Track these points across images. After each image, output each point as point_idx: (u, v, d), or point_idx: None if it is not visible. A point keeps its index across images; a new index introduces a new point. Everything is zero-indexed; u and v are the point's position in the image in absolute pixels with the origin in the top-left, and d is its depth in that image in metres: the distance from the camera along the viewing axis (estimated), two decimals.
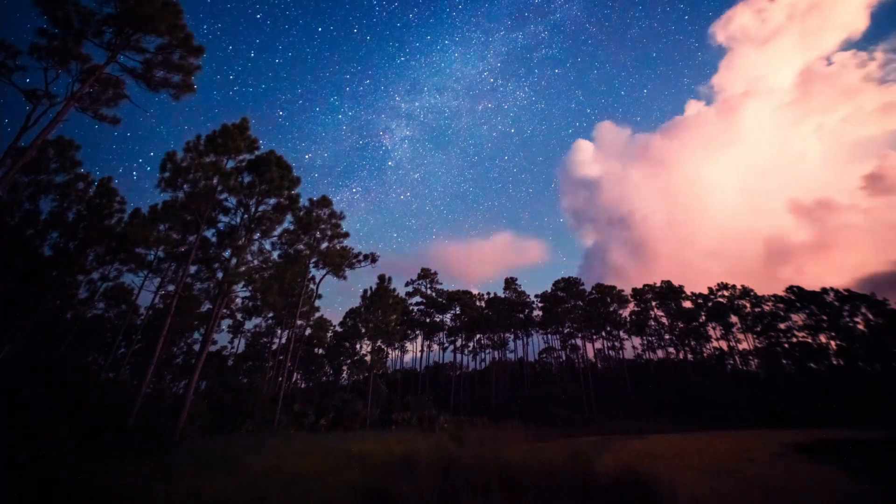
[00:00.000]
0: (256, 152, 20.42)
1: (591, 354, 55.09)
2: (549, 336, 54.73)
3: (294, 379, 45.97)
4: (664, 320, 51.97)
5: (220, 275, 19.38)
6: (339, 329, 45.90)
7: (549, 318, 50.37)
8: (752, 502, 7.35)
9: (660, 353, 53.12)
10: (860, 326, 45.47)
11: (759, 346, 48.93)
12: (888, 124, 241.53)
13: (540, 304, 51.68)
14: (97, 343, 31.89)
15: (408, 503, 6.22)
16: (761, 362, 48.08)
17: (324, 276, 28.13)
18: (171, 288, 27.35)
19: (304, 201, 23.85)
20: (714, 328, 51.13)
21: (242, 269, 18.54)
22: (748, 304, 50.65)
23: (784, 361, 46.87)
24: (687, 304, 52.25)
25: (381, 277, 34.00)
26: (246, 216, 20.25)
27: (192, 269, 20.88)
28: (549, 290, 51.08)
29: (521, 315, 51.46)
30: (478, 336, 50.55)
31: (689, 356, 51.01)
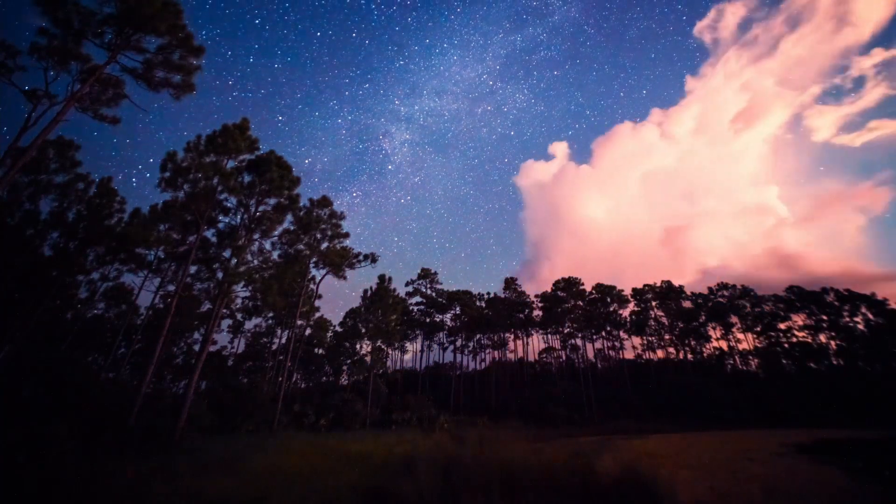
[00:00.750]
0: (257, 152, 20.42)
1: (591, 354, 55.10)
2: (549, 336, 54.74)
3: (294, 379, 45.97)
4: (664, 320, 51.97)
5: (220, 275, 19.37)
6: (339, 329, 45.89)
7: (549, 318, 50.36)
8: (753, 502, 7.34)
9: (660, 353, 53.17)
10: (860, 326, 45.48)
11: (759, 346, 48.92)
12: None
13: (540, 304, 51.67)
14: (97, 343, 31.89)
15: (408, 503, 6.22)
16: (761, 362, 48.07)
17: (324, 276, 28.14)
18: (171, 288, 27.34)
19: (304, 201, 23.87)
20: (714, 328, 51.13)
21: (242, 269, 18.54)
22: (748, 304, 50.65)
23: (784, 361, 46.85)
24: (687, 304, 52.26)
25: (381, 277, 34.02)
26: (246, 216, 20.25)
27: (192, 269, 20.87)
28: (549, 290, 51.11)
29: (521, 315, 51.44)
30: (478, 336, 50.53)
31: (689, 356, 51.01)
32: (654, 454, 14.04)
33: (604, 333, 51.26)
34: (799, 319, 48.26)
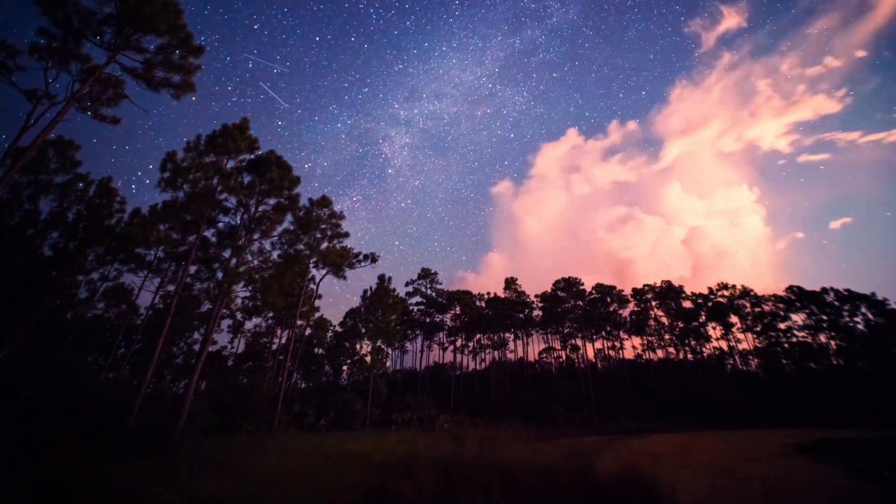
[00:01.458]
0: (256, 152, 20.42)
1: (591, 354, 55.12)
2: (549, 336, 54.73)
3: (294, 379, 45.94)
4: (664, 320, 51.97)
5: (220, 275, 19.37)
6: (339, 329, 45.89)
7: (549, 318, 50.36)
8: (754, 502, 7.34)
9: (660, 353, 53.17)
10: (860, 326, 45.47)
11: (759, 346, 48.92)
12: None
13: (540, 304, 51.67)
14: (97, 343, 31.88)
15: (408, 503, 6.22)
16: (761, 362, 48.06)
17: (324, 276, 28.15)
18: (171, 288, 27.34)
19: (303, 202, 23.87)
20: (714, 328, 51.13)
21: (242, 269, 18.53)
22: (748, 304, 50.65)
23: (784, 361, 46.84)
24: (687, 304, 52.26)
25: (381, 277, 34.02)
26: (246, 216, 20.24)
27: (192, 269, 20.86)
28: (549, 290, 51.11)
29: (521, 315, 51.44)
30: (478, 336, 50.51)
31: (689, 356, 51.00)
32: (655, 454, 14.04)
33: (604, 333, 51.26)
34: (799, 319, 48.30)
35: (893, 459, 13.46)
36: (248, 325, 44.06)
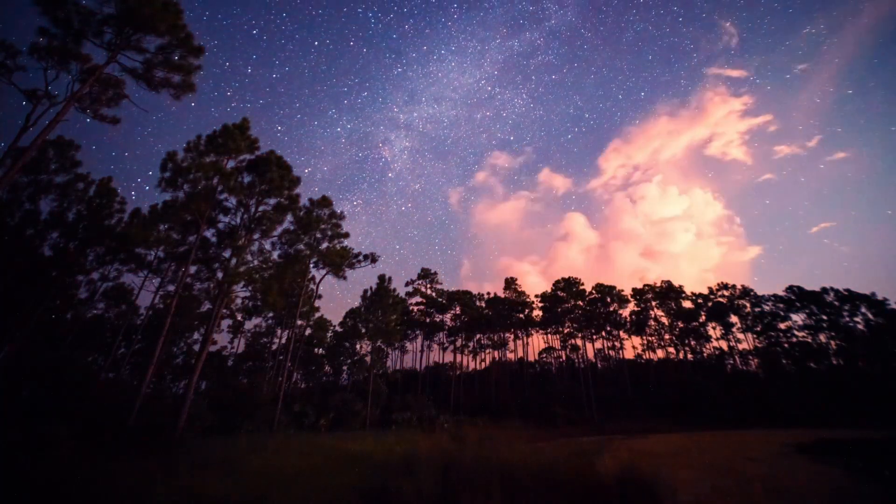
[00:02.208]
0: (256, 152, 20.42)
1: (591, 354, 55.09)
2: (549, 336, 54.73)
3: (294, 379, 45.94)
4: (664, 320, 51.96)
5: (220, 275, 19.37)
6: (339, 329, 45.91)
7: (549, 318, 50.35)
8: (754, 502, 7.34)
9: (660, 353, 53.17)
10: (860, 326, 45.47)
11: (759, 346, 48.91)
12: None
13: (540, 304, 51.67)
14: (97, 343, 31.89)
15: (408, 503, 6.22)
16: (761, 362, 48.06)
17: (324, 276, 28.15)
18: (171, 288, 27.35)
19: (304, 202, 23.87)
20: (714, 328, 51.12)
21: (242, 269, 18.53)
22: (748, 304, 50.65)
23: (784, 361, 46.84)
24: (687, 304, 52.25)
25: (381, 277, 34.00)
26: (246, 216, 20.24)
27: (192, 269, 20.86)
28: (549, 290, 51.10)
29: (521, 315, 51.44)
30: (478, 336, 50.52)
31: (689, 356, 51.00)
32: (655, 454, 14.04)
33: (604, 333, 51.25)
34: (799, 319, 48.28)
35: (893, 459, 13.46)
36: (248, 325, 44.13)
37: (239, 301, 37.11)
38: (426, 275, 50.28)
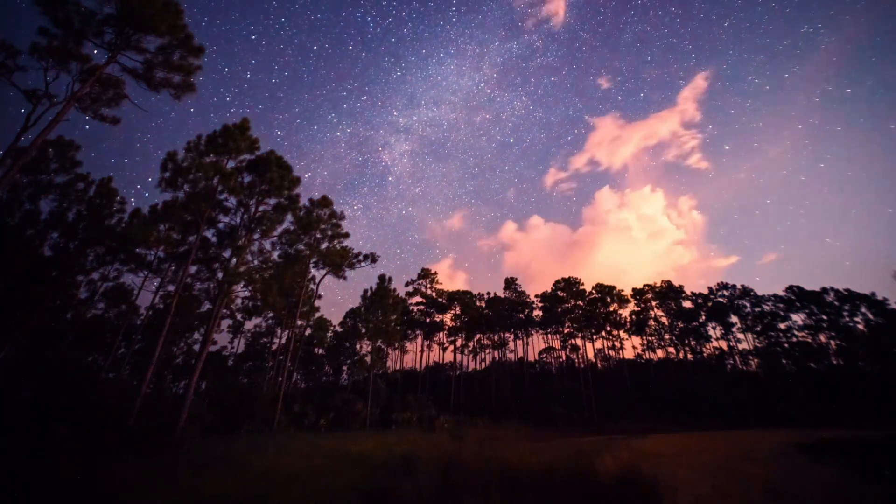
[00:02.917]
0: (257, 152, 20.42)
1: (591, 354, 55.17)
2: (549, 336, 54.72)
3: (294, 379, 45.96)
4: (664, 320, 51.96)
5: (220, 275, 19.38)
6: (339, 329, 45.92)
7: (549, 318, 50.34)
8: (755, 502, 7.34)
9: (660, 353, 53.18)
10: (860, 326, 45.47)
11: (759, 346, 48.91)
12: None
13: (540, 304, 51.66)
14: (97, 343, 31.85)
15: (408, 503, 6.22)
16: (761, 362, 48.07)
17: (324, 276, 28.14)
18: (171, 288, 27.32)
19: (304, 202, 23.87)
20: (714, 328, 51.12)
21: (242, 269, 18.53)
22: (748, 304, 50.65)
23: (784, 361, 46.85)
24: (687, 304, 52.25)
25: (382, 277, 34.01)
26: (246, 216, 20.24)
27: (192, 269, 20.88)
28: (549, 290, 51.10)
29: (521, 315, 51.43)
30: (478, 336, 50.50)
31: (689, 356, 51.00)
32: (655, 454, 14.03)
33: (604, 333, 51.24)
34: (799, 319, 48.29)
35: (893, 459, 13.46)
36: (248, 325, 44.14)
37: (239, 301, 37.08)
38: (426, 275, 50.26)
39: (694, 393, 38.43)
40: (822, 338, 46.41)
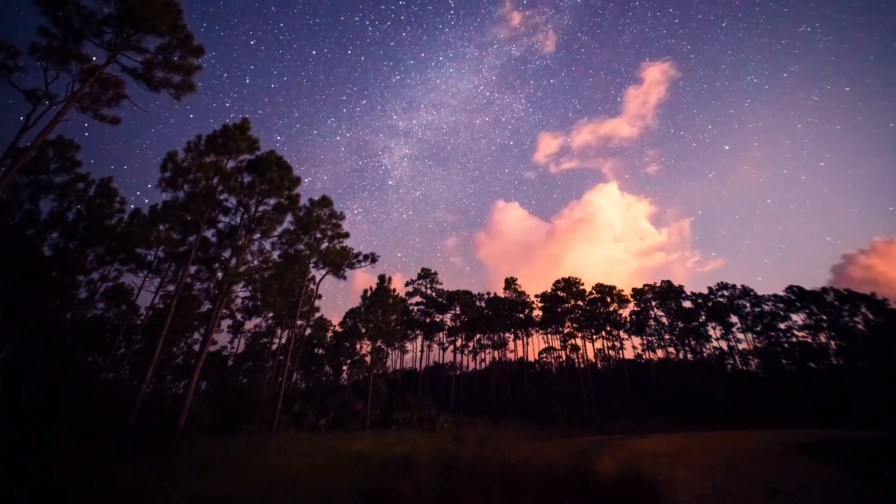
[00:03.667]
0: (256, 153, 20.41)
1: (591, 354, 55.15)
2: (549, 336, 54.71)
3: (294, 379, 45.94)
4: (664, 320, 51.96)
5: (220, 275, 19.36)
6: (339, 329, 45.88)
7: (549, 318, 50.33)
8: (755, 502, 7.34)
9: (660, 353, 53.17)
10: (860, 326, 45.47)
11: (759, 346, 48.91)
12: None
13: (540, 304, 51.66)
14: (97, 343, 31.85)
15: (408, 503, 6.22)
16: (761, 362, 48.06)
17: (324, 276, 28.13)
18: (171, 288, 27.32)
19: (304, 202, 23.87)
20: (714, 328, 51.12)
21: (242, 269, 18.53)
22: (748, 304, 50.64)
23: (784, 361, 46.85)
24: (687, 304, 52.25)
25: (382, 277, 33.99)
26: (246, 216, 20.24)
27: (192, 269, 20.87)
28: (549, 290, 51.09)
29: (521, 315, 51.42)
30: (478, 336, 50.50)
31: (689, 356, 51.02)
32: (655, 454, 14.03)
33: (604, 333, 51.24)
34: (799, 319, 48.30)
35: (893, 459, 13.46)
36: (248, 325, 44.09)
37: (239, 301, 37.08)
38: (426, 275, 50.25)
39: (694, 393, 38.44)
40: (822, 338, 46.43)
